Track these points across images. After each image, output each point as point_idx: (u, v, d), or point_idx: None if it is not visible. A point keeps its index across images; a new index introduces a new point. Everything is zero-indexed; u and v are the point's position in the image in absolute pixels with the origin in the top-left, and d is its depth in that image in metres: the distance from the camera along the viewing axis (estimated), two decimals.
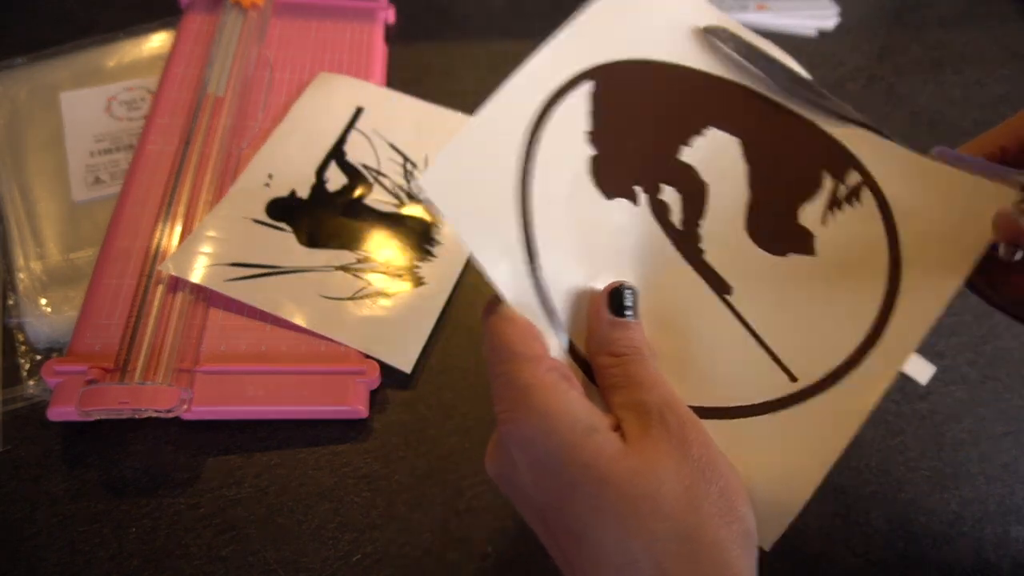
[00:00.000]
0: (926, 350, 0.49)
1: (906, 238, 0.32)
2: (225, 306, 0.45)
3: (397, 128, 0.54)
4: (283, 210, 0.49)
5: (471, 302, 0.48)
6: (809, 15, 0.69)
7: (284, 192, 0.50)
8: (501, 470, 0.28)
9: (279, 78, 0.57)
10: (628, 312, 0.29)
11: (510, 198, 0.29)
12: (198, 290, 0.45)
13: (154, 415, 0.40)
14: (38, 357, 0.44)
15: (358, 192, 0.51)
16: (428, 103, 0.56)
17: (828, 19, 0.69)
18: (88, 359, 0.42)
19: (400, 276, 0.47)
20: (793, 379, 0.30)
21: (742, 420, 0.29)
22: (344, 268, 0.47)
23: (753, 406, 0.29)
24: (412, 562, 0.39)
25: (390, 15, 0.63)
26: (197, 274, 0.45)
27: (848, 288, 0.31)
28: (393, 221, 0.50)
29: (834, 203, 0.33)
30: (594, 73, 0.33)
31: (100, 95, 0.56)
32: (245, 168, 0.50)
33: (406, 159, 0.53)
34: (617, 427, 0.26)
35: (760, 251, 0.32)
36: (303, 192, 0.50)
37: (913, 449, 0.45)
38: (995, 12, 0.75)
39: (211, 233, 0.47)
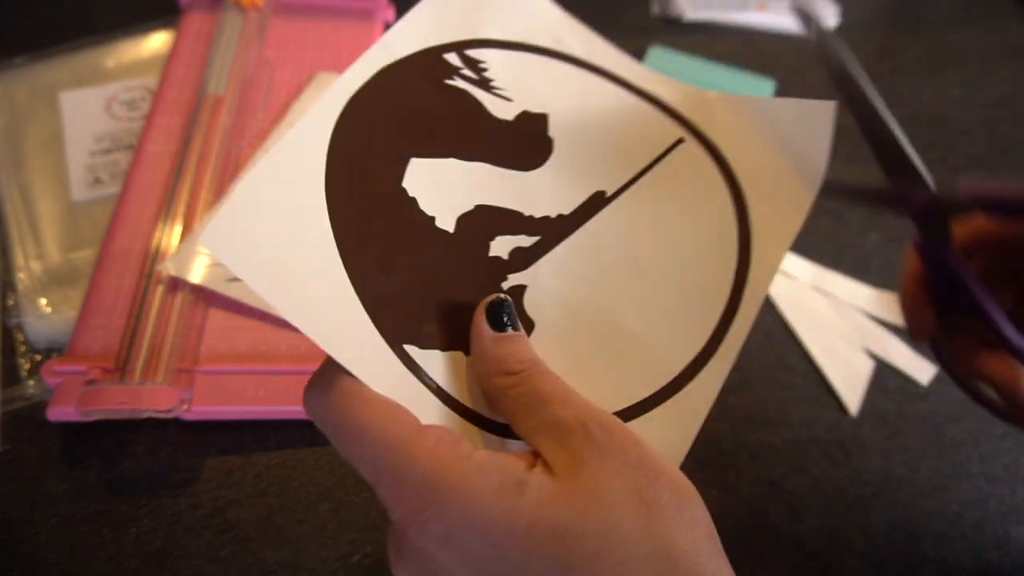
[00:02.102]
0: (926, 350, 0.49)
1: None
2: (225, 306, 0.45)
3: None
4: None
5: None
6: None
7: None
8: None
9: (279, 78, 0.57)
10: (509, 325, 0.26)
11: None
12: (198, 290, 0.45)
13: (153, 415, 0.40)
14: (38, 357, 0.44)
15: None
16: None
17: (828, 19, 0.69)
18: (88, 359, 0.42)
19: None
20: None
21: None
22: None
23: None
24: None
25: (389, 15, 0.62)
26: (197, 274, 0.45)
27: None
28: None
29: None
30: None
31: (100, 95, 0.56)
32: (245, 168, 0.50)
33: None
34: (536, 459, 0.23)
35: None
36: None
37: (913, 449, 0.45)
38: (995, 12, 0.75)
39: None
